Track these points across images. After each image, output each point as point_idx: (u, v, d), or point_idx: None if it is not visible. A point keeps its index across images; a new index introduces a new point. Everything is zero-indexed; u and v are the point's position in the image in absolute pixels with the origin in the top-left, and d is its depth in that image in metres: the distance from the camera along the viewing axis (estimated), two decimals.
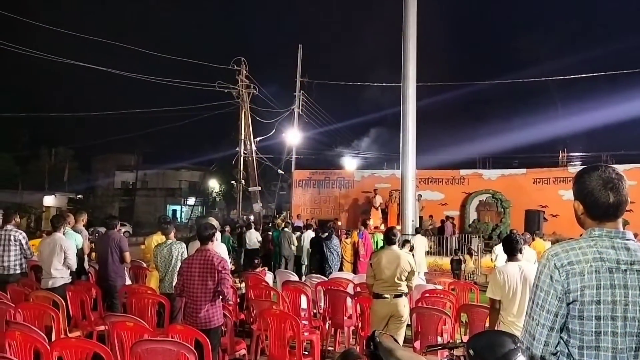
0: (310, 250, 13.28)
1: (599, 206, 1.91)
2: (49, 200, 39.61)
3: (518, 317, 4.14)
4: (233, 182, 27.20)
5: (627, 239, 1.87)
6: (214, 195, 50.07)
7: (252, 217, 26.87)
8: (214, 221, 7.20)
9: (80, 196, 42.38)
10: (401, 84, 17.11)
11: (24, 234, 7.10)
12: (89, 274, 8.08)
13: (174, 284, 6.30)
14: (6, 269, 6.79)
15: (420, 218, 18.61)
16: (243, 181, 23.99)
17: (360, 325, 6.47)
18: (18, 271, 6.92)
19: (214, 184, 49.28)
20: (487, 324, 5.34)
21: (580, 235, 1.97)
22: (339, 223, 20.62)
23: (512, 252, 4.46)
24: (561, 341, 1.87)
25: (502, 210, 20.11)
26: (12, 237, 6.82)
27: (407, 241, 12.29)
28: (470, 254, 14.79)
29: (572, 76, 23.15)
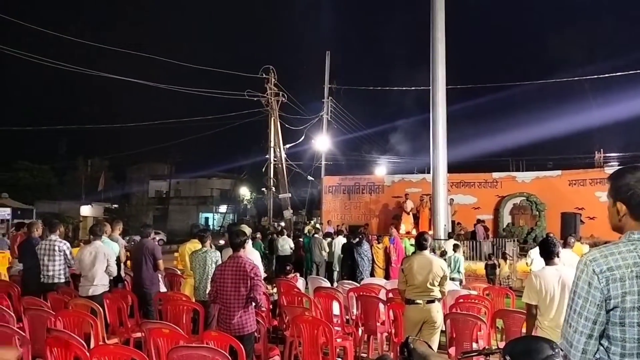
0: (341, 256, 13.29)
1: None
2: (86, 210, 40.64)
3: (556, 322, 4.04)
4: (263, 189, 27.41)
5: None
6: (245, 202, 50.54)
7: (282, 224, 27.05)
8: (246, 228, 7.28)
9: (115, 206, 43.35)
10: (430, 88, 16.99)
11: (68, 244, 7.31)
12: (125, 282, 8.25)
13: (208, 291, 6.40)
14: (51, 278, 7.00)
15: (453, 222, 18.38)
16: (273, 188, 24.16)
17: (393, 331, 6.42)
18: (62, 280, 7.12)
19: (244, 192, 49.77)
20: (523, 330, 5.24)
21: (619, 239, 1.92)
22: (369, 228, 20.52)
23: (549, 255, 4.36)
24: (601, 348, 1.81)
25: (537, 213, 19.67)
26: (56, 247, 7.02)
27: (444, 252, 12.18)
28: (505, 259, 14.52)
29: (606, 75, 22.58)
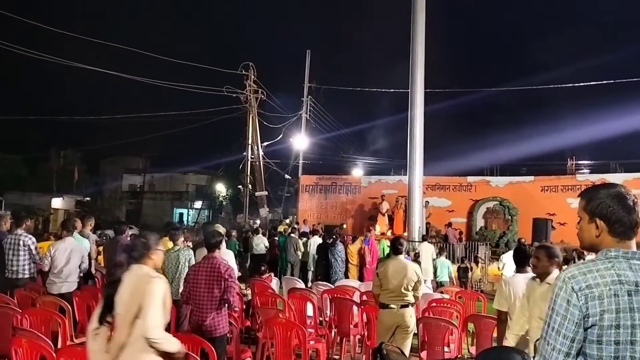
0: (316, 256, 13.28)
1: (623, 223, 1.86)
2: (57, 203, 39.83)
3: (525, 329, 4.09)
4: (240, 186, 27.25)
5: None
6: (221, 199, 50.19)
7: (258, 221, 26.92)
8: (220, 228, 7.21)
9: (88, 199, 42.59)
10: (409, 90, 17.10)
11: (34, 239, 7.13)
12: (96, 279, 8.11)
13: (180, 289, 6.31)
14: (15, 273, 6.82)
15: (427, 225, 18.53)
16: (250, 186, 24.03)
17: (366, 334, 6.43)
18: (27, 275, 6.94)
19: (220, 188, 49.43)
20: (495, 335, 5.31)
21: (595, 256, 1.93)
22: (344, 227, 20.57)
23: (521, 263, 4.43)
24: None
25: (510, 217, 19.98)
26: (21, 242, 6.85)
27: (417, 255, 12.33)
28: (477, 262, 14.71)
29: (581, 84, 23.05)
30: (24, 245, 6.87)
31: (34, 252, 7.00)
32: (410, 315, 5.37)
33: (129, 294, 3.16)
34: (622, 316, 1.74)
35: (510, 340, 4.03)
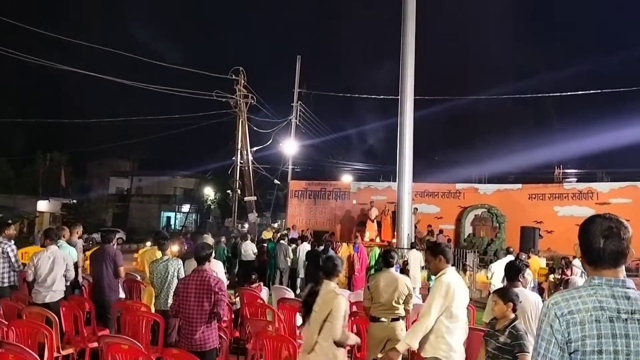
0: (306, 262, 13.23)
1: (591, 251, 1.93)
2: (43, 205, 39.41)
3: None
4: (229, 191, 27.14)
5: (628, 287, 1.87)
6: (209, 203, 49.94)
7: (246, 226, 26.82)
8: (209, 239, 7.15)
9: (74, 201, 42.16)
10: (399, 97, 17.17)
11: (13, 247, 7.02)
12: (83, 287, 8.01)
13: (169, 300, 6.25)
14: None
15: (416, 230, 18.58)
16: (239, 190, 23.93)
17: (356, 345, 6.40)
18: (6, 284, 6.83)
19: (209, 192, 49.19)
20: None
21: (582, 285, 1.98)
22: (334, 236, 20.55)
23: (512, 277, 4.45)
24: None
25: (498, 225, 20.11)
26: (0, 250, 6.74)
27: (406, 262, 12.39)
28: (465, 270, 14.75)
29: (568, 93, 23.31)
30: (2, 253, 6.76)
31: (12, 259, 6.90)
32: (401, 329, 5.36)
33: (321, 303, 4.16)
34: (605, 342, 1.79)
35: None
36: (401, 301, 5.37)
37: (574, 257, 11.35)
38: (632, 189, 18.79)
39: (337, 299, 4.11)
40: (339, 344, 4.09)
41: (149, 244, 19.26)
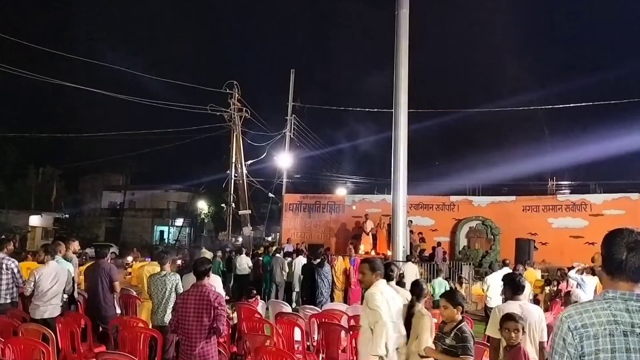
0: (301, 276, 13.17)
1: (613, 261, 1.92)
2: (35, 220, 39.10)
3: None
4: (223, 204, 27.07)
5: None
6: (203, 216, 49.73)
7: (240, 239, 26.72)
8: (207, 254, 7.12)
9: (66, 216, 41.87)
10: (392, 110, 17.26)
11: (16, 262, 6.98)
12: (79, 303, 7.93)
13: (167, 315, 6.21)
14: None
15: (411, 244, 18.58)
16: (233, 204, 23.88)
17: (354, 359, 6.37)
18: (8, 300, 6.78)
19: (202, 206, 48.99)
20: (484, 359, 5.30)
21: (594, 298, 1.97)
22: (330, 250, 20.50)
23: (514, 290, 4.46)
24: None
25: (492, 237, 20.13)
26: (3, 266, 6.69)
27: (402, 275, 12.38)
28: (461, 282, 14.75)
29: (561, 106, 23.50)
30: (6, 269, 6.72)
31: (16, 275, 6.85)
32: None
33: (414, 322, 4.59)
34: (619, 356, 1.78)
35: None
36: (400, 314, 5.35)
37: (569, 269, 11.36)
38: (625, 201, 18.91)
39: (423, 318, 4.55)
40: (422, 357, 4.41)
41: (130, 258, 19.31)
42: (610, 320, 1.81)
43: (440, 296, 4.34)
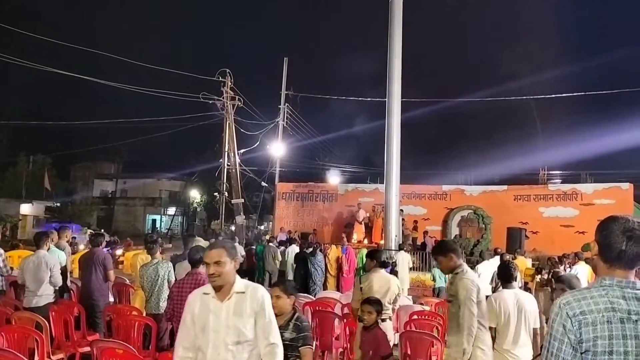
0: (294, 265, 13.22)
1: (611, 250, 1.93)
2: (26, 209, 38.84)
3: (513, 346, 4.16)
4: (215, 193, 27.01)
5: (638, 289, 1.88)
6: (195, 205, 49.64)
7: (232, 228, 26.68)
8: (201, 242, 7.13)
9: (57, 204, 41.63)
10: (386, 99, 17.26)
11: (1, 251, 6.94)
12: (72, 291, 7.92)
13: (160, 303, 6.22)
14: None
15: (402, 233, 18.67)
16: (226, 193, 23.82)
17: (348, 347, 6.42)
18: None
19: (195, 194, 48.89)
20: None
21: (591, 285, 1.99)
22: (317, 236, 20.52)
23: (508, 279, 4.49)
24: None
25: (484, 226, 20.24)
26: None
27: (394, 264, 12.49)
28: None
29: (553, 95, 23.62)
30: None
31: (0, 264, 6.81)
32: (389, 329, 5.41)
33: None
34: (615, 342, 1.81)
35: (497, 357, 4.10)
36: (392, 301, 5.42)
37: (564, 256, 11.49)
38: (615, 190, 19.07)
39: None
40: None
41: (119, 251, 18.92)
42: (608, 308, 1.84)
43: (272, 285, 3.95)
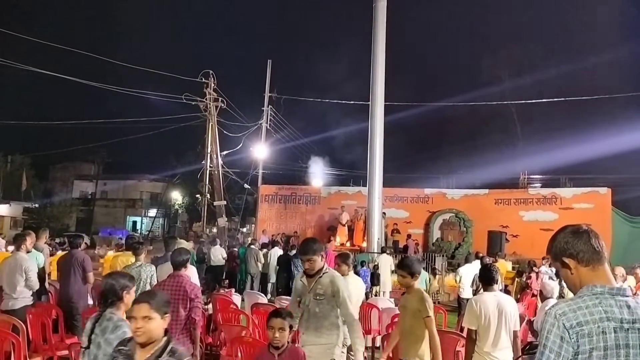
0: (277, 267, 13.15)
1: (591, 252, 1.94)
2: (3, 210, 38.15)
3: (493, 348, 4.18)
4: (197, 195, 26.81)
5: (627, 296, 1.88)
6: (177, 207, 49.22)
7: (214, 230, 26.53)
8: (184, 244, 7.06)
9: (36, 205, 40.94)
10: (369, 103, 17.35)
11: None
12: (49, 294, 7.79)
13: None
14: None
15: (386, 235, 18.77)
16: (208, 195, 23.68)
17: None
18: None
19: (176, 196, 48.48)
20: (457, 349, 5.39)
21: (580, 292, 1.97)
22: (299, 238, 20.48)
23: (489, 282, 4.52)
24: None
25: (465, 229, 20.45)
26: None
27: (376, 267, 12.57)
28: (435, 274, 14.94)
29: (533, 100, 23.94)
30: None
31: None
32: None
33: None
34: (610, 353, 1.79)
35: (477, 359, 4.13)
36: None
37: (543, 259, 11.63)
38: (594, 195, 19.39)
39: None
40: None
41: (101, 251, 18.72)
42: (603, 317, 1.82)
43: (136, 301, 2.79)
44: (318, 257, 4.08)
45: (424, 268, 15.10)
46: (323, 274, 4.12)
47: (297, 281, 4.38)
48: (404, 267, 4.42)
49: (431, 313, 4.21)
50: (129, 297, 3.28)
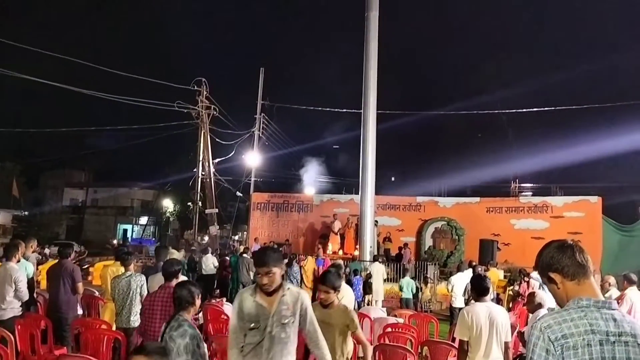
0: None
1: (576, 265, 1.96)
2: None
3: (485, 359, 4.18)
4: (189, 203, 26.70)
5: (613, 309, 1.89)
6: (168, 215, 48.97)
7: (206, 238, 26.41)
8: (176, 254, 7.01)
9: (26, 213, 40.58)
10: (362, 111, 17.42)
11: None
12: (38, 304, 7.70)
13: (131, 317, 6.09)
14: None
15: (378, 243, 18.78)
16: (200, 203, 23.59)
17: None
18: None
19: (168, 204, 48.24)
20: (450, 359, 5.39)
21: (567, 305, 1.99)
22: (291, 246, 20.44)
23: (482, 292, 4.52)
24: None
25: (457, 237, 20.49)
26: None
27: (369, 275, 12.60)
28: (427, 282, 14.94)
29: (524, 110, 24.11)
30: None
31: None
32: None
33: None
34: None
35: None
36: None
37: (535, 268, 11.65)
38: (584, 203, 19.50)
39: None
40: None
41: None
42: (588, 330, 1.83)
43: (136, 351, 2.60)
44: (278, 269, 3.30)
45: (414, 277, 15.16)
46: (286, 290, 3.39)
47: (246, 301, 3.33)
48: (327, 282, 4.18)
49: (359, 325, 4.18)
50: (199, 301, 3.84)
